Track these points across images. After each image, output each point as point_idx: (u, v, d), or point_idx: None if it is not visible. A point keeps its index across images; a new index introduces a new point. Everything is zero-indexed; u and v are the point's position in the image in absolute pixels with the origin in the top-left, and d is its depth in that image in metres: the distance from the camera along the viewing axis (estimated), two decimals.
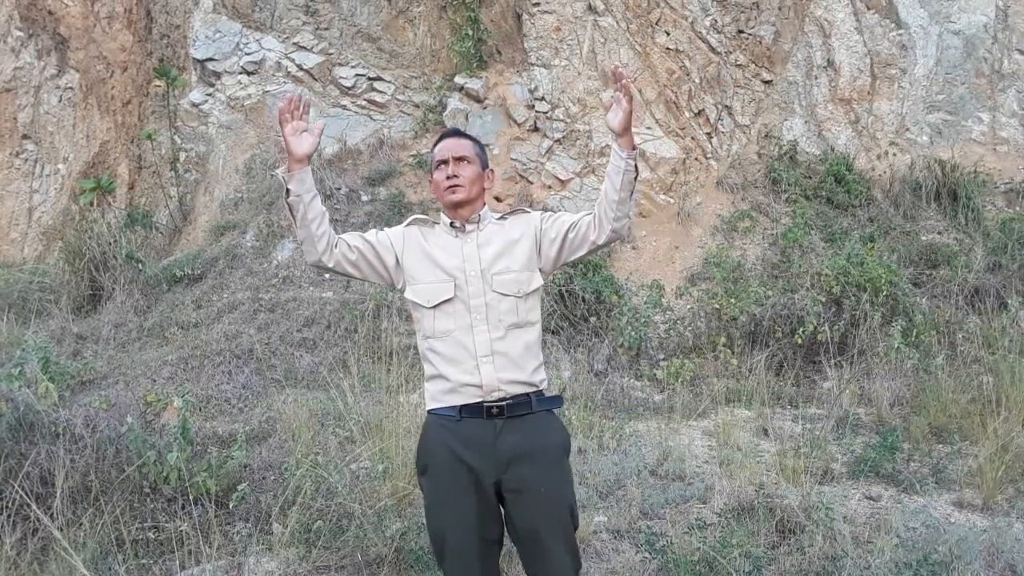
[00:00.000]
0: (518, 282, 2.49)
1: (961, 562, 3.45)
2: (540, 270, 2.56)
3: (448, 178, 2.52)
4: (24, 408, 4.10)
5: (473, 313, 2.45)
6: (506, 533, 2.51)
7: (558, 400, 2.60)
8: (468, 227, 2.55)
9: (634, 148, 2.42)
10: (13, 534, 3.48)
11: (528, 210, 2.67)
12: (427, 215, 2.71)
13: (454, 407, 2.44)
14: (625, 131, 2.39)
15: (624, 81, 2.37)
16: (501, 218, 2.61)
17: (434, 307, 2.47)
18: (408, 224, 2.63)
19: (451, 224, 2.56)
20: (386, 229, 2.63)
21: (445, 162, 2.55)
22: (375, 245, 2.55)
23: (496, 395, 2.42)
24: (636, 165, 2.44)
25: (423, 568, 3.48)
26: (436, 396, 2.49)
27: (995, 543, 3.71)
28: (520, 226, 2.57)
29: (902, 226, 9.17)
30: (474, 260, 2.50)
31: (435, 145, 2.64)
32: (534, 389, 2.48)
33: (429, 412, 2.51)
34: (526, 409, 2.44)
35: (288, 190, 2.44)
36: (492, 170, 2.69)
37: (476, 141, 2.67)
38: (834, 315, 6.81)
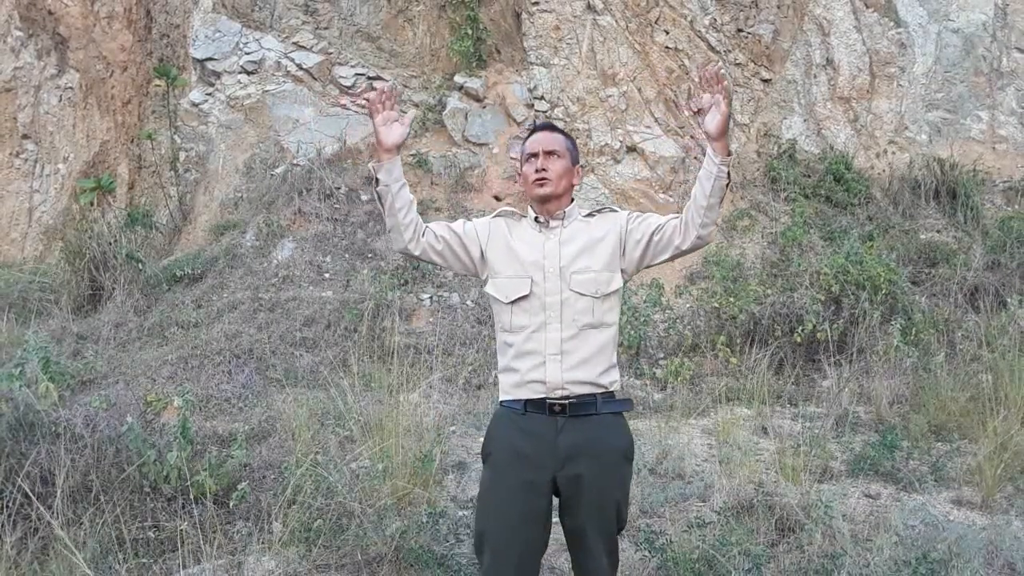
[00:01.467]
0: (596, 282, 2.48)
1: (960, 560, 3.45)
2: (622, 271, 2.54)
3: (537, 171, 2.52)
4: (24, 408, 4.11)
5: (548, 310, 2.45)
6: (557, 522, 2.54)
7: (627, 403, 2.59)
8: (552, 223, 2.54)
9: (729, 154, 2.40)
10: (13, 533, 3.49)
11: (616, 209, 2.66)
12: (514, 207, 2.71)
13: (520, 400, 2.46)
14: (721, 135, 2.37)
15: (724, 83, 2.36)
16: (588, 215, 2.60)
17: (511, 303, 2.48)
18: (495, 216, 2.64)
19: (536, 219, 2.56)
20: (473, 220, 2.65)
21: (535, 155, 2.55)
22: (462, 236, 2.57)
23: (559, 393, 2.43)
24: (729, 172, 2.41)
25: (423, 567, 3.49)
26: (506, 388, 2.51)
27: (994, 541, 3.72)
28: (606, 225, 2.56)
29: (901, 224, 9.17)
30: (554, 257, 2.49)
31: (526, 138, 2.64)
32: (602, 390, 2.47)
33: (500, 403, 2.54)
34: (591, 410, 2.45)
35: (377, 179, 2.46)
36: (581, 166, 2.67)
37: (568, 136, 2.66)
38: (833, 313, 6.82)
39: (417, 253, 2.54)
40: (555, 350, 2.43)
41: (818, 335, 6.60)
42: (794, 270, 7.80)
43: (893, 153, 10.00)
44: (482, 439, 2.61)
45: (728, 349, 6.70)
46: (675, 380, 6.28)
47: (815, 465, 4.55)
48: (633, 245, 2.53)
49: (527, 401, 2.45)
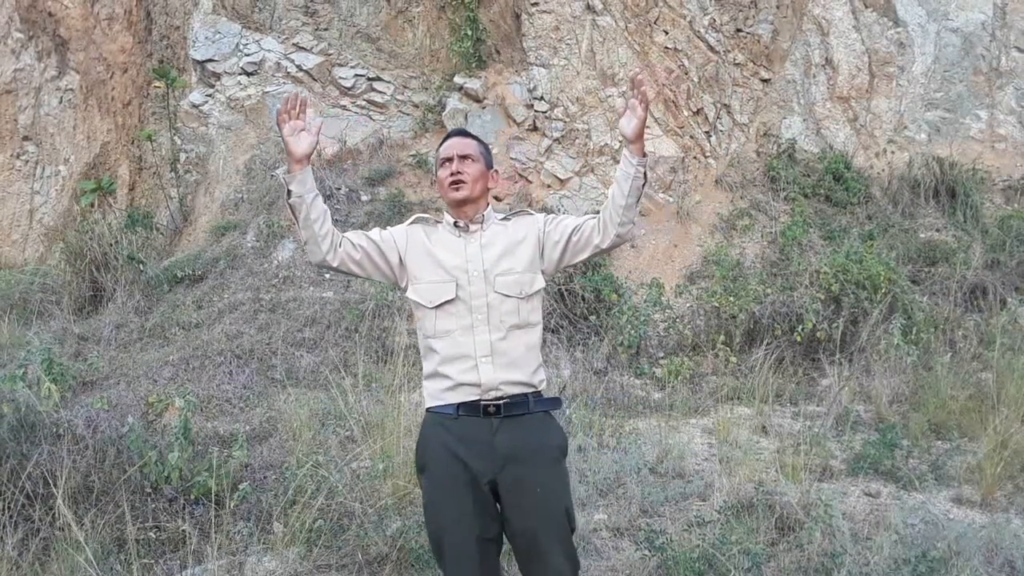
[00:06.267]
0: (520, 283, 2.50)
1: (960, 558, 3.46)
2: (542, 272, 2.56)
3: (452, 175, 2.53)
4: (26, 409, 4.12)
5: (475, 313, 2.45)
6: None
7: (556, 402, 2.61)
8: (472, 227, 2.55)
9: (645, 155, 2.42)
10: (15, 534, 3.50)
11: (531, 211, 2.68)
12: (429, 214, 2.72)
13: (452, 405, 2.45)
14: (637, 138, 2.40)
15: (643, 88, 2.37)
16: (504, 219, 2.62)
17: (436, 307, 2.48)
18: (411, 223, 2.63)
19: (455, 224, 2.56)
20: (389, 228, 2.63)
21: (449, 160, 2.57)
22: (379, 244, 2.56)
23: (493, 394, 2.43)
24: (645, 172, 2.43)
25: (424, 567, 3.50)
26: (435, 394, 2.49)
27: (994, 539, 3.73)
28: (524, 227, 2.58)
29: (901, 224, 9.17)
30: (477, 260, 2.50)
31: (441, 144, 2.67)
32: (532, 390, 2.48)
33: (428, 410, 2.52)
34: (523, 409, 2.45)
35: (289, 191, 2.44)
36: (496, 170, 2.69)
37: (481, 141, 2.68)
38: (833, 313, 6.82)
39: (335, 264, 2.53)
40: (486, 351, 2.43)
41: (818, 334, 6.61)
42: (794, 269, 7.81)
43: (892, 152, 10.00)
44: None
45: (728, 348, 6.70)
46: (675, 379, 6.29)
47: (815, 464, 4.56)
48: (552, 246, 2.55)
49: (460, 404, 2.44)
